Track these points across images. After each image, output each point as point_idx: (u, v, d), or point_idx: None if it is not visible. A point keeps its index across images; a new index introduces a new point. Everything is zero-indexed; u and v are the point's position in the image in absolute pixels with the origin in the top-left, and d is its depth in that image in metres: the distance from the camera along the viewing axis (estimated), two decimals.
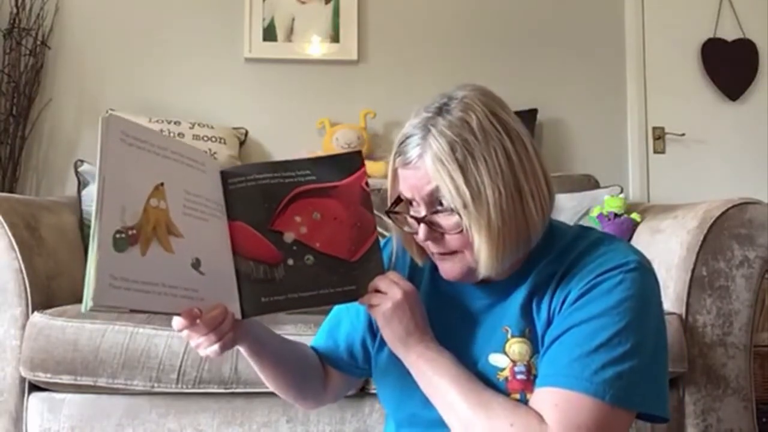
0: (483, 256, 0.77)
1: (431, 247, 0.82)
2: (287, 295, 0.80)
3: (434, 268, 0.89)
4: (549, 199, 0.80)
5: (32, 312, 1.50)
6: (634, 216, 1.87)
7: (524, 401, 0.77)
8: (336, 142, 2.51)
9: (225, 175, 0.82)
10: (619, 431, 0.74)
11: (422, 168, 0.78)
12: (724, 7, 2.89)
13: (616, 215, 1.89)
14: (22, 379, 1.48)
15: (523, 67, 2.71)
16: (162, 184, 0.74)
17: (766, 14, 2.89)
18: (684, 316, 1.51)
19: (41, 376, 1.44)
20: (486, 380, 0.80)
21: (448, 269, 0.82)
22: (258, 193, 0.81)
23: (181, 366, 1.43)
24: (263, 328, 0.90)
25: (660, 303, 0.81)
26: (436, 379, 0.79)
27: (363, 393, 1.46)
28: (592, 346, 0.73)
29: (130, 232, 0.69)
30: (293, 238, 0.81)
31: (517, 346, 0.81)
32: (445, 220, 0.79)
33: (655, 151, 2.84)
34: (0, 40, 2.51)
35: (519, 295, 0.82)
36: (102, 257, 0.66)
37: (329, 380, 0.99)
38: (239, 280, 0.79)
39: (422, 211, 0.80)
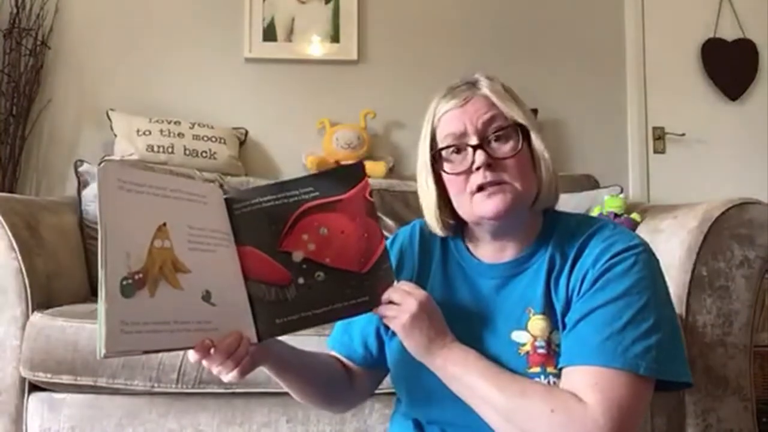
0: (545, 185, 0.88)
1: (482, 177, 0.85)
2: (300, 314, 0.81)
3: (443, 254, 0.95)
4: (553, 169, 0.90)
5: (32, 312, 1.50)
6: (634, 216, 1.88)
7: (545, 374, 0.82)
8: (336, 142, 2.51)
9: (229, 202, 0.83)
10: (647, 401, 0.79)
11: (479, 100, 0.87)
12: (724, 7, 2.89)
13: (616, 215, 1.90)
14: (22, 379, 1.48)
15: (523, 67, 2.71)
16: (164, 224, 0.76)
17: (766, 14, 2.89)
18: (684, 316, 1.51)
19: (41, 376, 1.44)
20: (508, 355, 0.84)
21: (498, 201, 0.84)
22: (263, 216, 0.83)
23: (181, 366, 1.43)
24: (283, 345, 0.92)
25: (665, 279, 0.86)
26: (466, 378, 0.81)
27: None
28: (620, 325, 0.78)
29: (136, 277, 0.71)
30: (302, 257, 0.82)
31: (538, 323, 0.85)
32: (501, 145, 0.86)
33: (655, 151, 2.84)
34: (0, 40, 2.51)
35: (537, 275, 0.87)
36: (111, 306, 0.68)
37: (355, 381, 1.01)
38: (252, 304, 0.81)
39: (475, 141, 0.86)
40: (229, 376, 0.80)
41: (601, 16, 2.84)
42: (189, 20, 2.66)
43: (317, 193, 0.84)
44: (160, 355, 1.43)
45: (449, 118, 0.88)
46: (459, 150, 0.87)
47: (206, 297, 0.77)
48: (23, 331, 1.47)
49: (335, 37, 2.69)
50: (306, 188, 0.84)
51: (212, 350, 0.77)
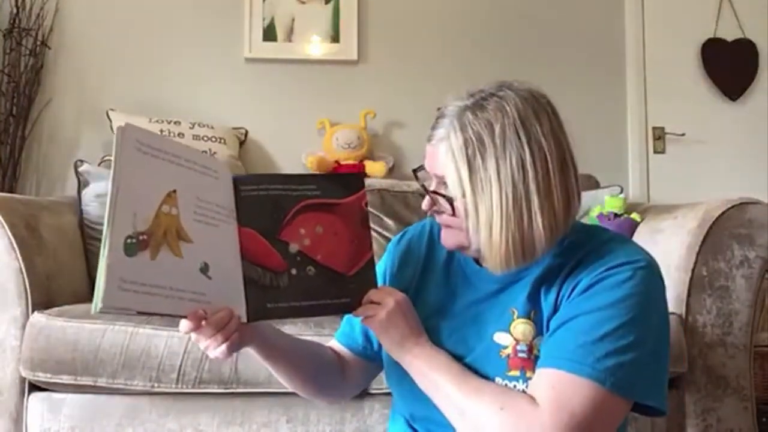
0: (484, 250, 0.83)
1: (435, 215, 0.90)
2: (290, 303, 0.84)
3: (449, 256, 0.96)
4: (563, 219, 0.82)
5: (32, 312, 1.50)
6: (634, 216, 1.88)
7: (523, 378, 0.81)
8: (336, 142, 2.51)
9: (237, 182, 0.85)
10: (613, 419, 0.77)
11: (437, 152, 0.84)
12: (724, 7, 2.89)
13: (616, 215, 1.90)
14: (22, 379, 1.48)
15: (523, 67, 2.71)
16: (174, 191, 0.77)
17: (766, 14, 2.89)
18: (684, 316, 1.51)
19: (41, 376, 1.44)
20: (489, 357, 0.85)
21: (444, 237, 0.90)
22: (268, 202, 0.85)
23: (181, 366, 1.43)
24: (272, 329, 0.93)
25: (664, 302, 0.85)
26: (431, 374, 0.84)
27: (363, 393, 1.46)
28: (598, 335, 0.76)
29: (140, 237, 0.72)
30: (297, 249, 0.85)
31: (521, 327, 0.85)
32: (443, 201, 0.86)
33: (655, 151, 2.83)
34: (0, 40, 2.51)
35: (528, 281, 0.86)
36: (113, 261, 0.69)
37: (348, 372, 1.03)
38: (246, 285, 0.82)
39: (432, 186, 0.88)
40: (216, 351, 0.81)
41: (601, 16, 2.83)
42: (189, 20, 2.66)
43: (318, 192, 0.88)
44: (160, 354, 1.43)
45: (426, 148, 0.89)
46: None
47: (204, 269, 0.78)
48: (23, 331, 1.47)
49: (335, 37, 2.69)
50: (310, 186, 0.88)
51: (203, 322, 0.77)
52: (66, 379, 1.43)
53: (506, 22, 2.78)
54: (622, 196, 2.06)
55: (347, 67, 2.70)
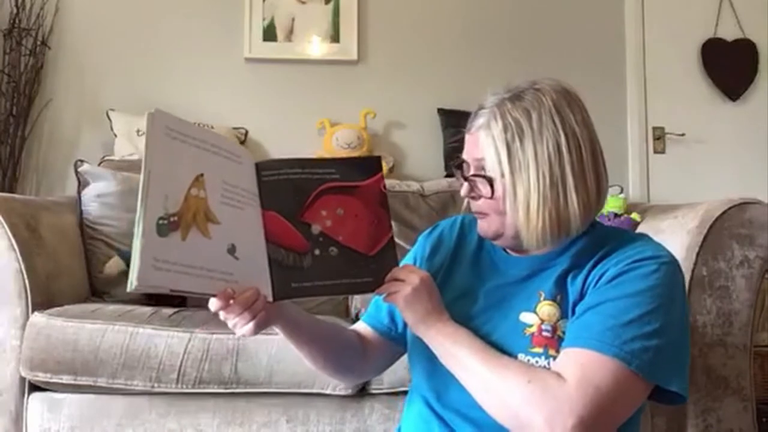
0: (521, 228, 0.87)
1: (471, 205, 0.94)
2: (314, 282, 0.87)
3: (479, 245, 1.01)
4: (596, 200, 0.89)
5: (32, 312, 1.50)
6: (634, 216, 1.87)
7: (545, 355, 0.84)
8: (336, 142, 2.51)
9: (258, 167, 0.88)
10: (634, 400, 0.80)
11: (477, 138, 0.90)
12: (724, 7, 2.89)
13: (616, 215, 1.90)
14: (22, 379, 1.48)
15: (523, 67, 2.71)
16: (202, 174, 0.80)
17: (766, 14, 2.89)
18: None
19: (41, 376, 1.44)
20: (513, 334, 0.88)
21: (480, 226, 0.94)
22: (289, 186, 0.88)
23: (181, 366, 1.43)
24: (296, 308, 0.96)
25: (685, 296, 0.90)
26: (454, 349, 0.86)
27: (363, 393, 1.46)
28: (625, 320, 0.79)
29: (171, 219, 0.75)
30: (319, 230, 0.88)
31: (547, 308, 0.88)
32: (481, 185, 0.90)
33: (655, 151, 2.84)
34: (0, 40, 2.52)
35: (557, 268, 0.90)
36: (146, 241, 0.71)
37: (370, 351, 1.05)
38: (271, 266, 0.85)
39: (470, 171, 0.92)
40: (243, 329, 0.84)
41: (601, 16, 2.84)
42: (189, 20, 2.66)
43: (338, 176, 0.90)
44: (160, 354, 1.43)
45: (465, 139, 0.94)
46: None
47: (231, 250, 0.81)
48: (23, 331, 1.47)
49: (335, 37, 2.69)
50: (329, 169, 0.90)
51: (231, 301, 0.80)
52: (66, 379, 1.43)
53: (506, 22, 2.78)
54: (622, 196, 2.06)
55: (347, 67, 2.70)
